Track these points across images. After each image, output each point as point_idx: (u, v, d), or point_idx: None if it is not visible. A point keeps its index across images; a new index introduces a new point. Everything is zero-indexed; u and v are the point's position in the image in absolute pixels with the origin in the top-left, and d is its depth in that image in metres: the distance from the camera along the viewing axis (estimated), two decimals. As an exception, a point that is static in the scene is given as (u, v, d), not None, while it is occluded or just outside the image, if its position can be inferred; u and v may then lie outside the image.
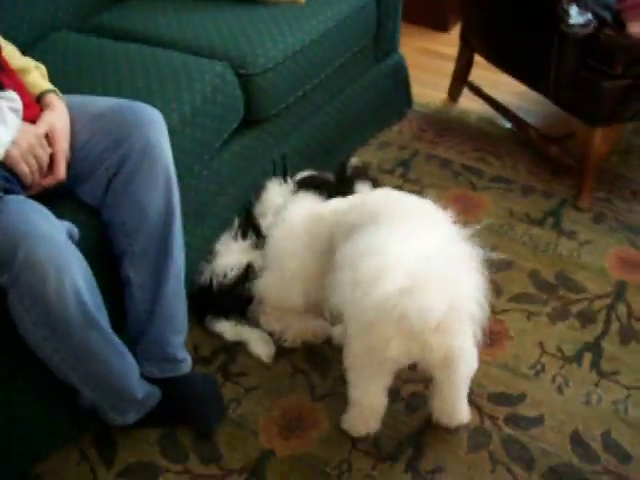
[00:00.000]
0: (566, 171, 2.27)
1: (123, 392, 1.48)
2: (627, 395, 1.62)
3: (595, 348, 1.73)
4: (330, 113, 2.16)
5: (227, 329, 1.80)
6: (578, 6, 1.94)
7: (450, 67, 2.67)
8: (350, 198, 1.72)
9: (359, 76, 2.27)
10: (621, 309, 1.82)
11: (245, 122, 1.84)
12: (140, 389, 1.51)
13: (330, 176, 1.98)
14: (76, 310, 1.29)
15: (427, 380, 1.55)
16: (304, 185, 1.91)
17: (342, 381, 1.55)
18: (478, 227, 1.38)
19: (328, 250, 1.65)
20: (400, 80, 2.43)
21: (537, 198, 2.21)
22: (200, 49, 1.80)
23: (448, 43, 3.05)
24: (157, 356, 1.56)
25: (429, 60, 2.75)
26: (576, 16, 1.93)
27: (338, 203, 1.73)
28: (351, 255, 1.36)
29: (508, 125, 2.52)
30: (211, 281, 1.79)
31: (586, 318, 1.80)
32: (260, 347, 1.76)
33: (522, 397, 1.63)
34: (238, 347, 1.78)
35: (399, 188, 2.14)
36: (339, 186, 1.92)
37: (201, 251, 1.79)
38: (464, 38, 2.51)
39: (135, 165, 1.44)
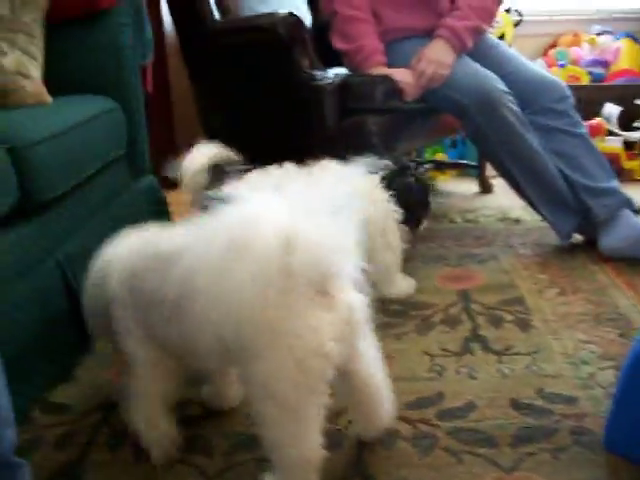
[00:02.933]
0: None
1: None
2: (533, 358, 1.52)
3: (477, 338, 1.62)
4: (105, 222, 1.90)
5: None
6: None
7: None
8: None
9: (122, 188, 2.08)
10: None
11: (24, 210, 1.51)
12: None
13: None
14: None
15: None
16: None
17: (235, 449, 1.23)
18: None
19: None
20: (158, 200, 2.30)
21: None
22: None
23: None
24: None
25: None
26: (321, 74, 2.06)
27: None
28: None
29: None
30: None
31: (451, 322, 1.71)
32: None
33: (441, 395, 1.41)
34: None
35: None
36: None
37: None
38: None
39: None
